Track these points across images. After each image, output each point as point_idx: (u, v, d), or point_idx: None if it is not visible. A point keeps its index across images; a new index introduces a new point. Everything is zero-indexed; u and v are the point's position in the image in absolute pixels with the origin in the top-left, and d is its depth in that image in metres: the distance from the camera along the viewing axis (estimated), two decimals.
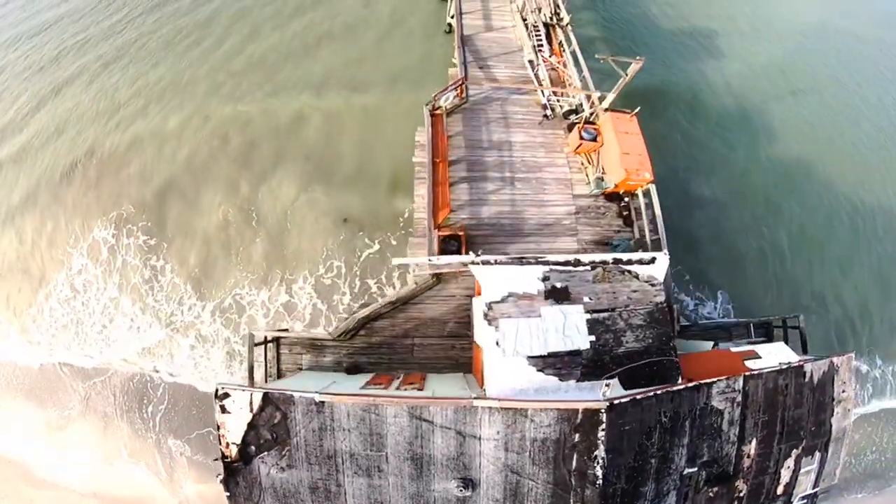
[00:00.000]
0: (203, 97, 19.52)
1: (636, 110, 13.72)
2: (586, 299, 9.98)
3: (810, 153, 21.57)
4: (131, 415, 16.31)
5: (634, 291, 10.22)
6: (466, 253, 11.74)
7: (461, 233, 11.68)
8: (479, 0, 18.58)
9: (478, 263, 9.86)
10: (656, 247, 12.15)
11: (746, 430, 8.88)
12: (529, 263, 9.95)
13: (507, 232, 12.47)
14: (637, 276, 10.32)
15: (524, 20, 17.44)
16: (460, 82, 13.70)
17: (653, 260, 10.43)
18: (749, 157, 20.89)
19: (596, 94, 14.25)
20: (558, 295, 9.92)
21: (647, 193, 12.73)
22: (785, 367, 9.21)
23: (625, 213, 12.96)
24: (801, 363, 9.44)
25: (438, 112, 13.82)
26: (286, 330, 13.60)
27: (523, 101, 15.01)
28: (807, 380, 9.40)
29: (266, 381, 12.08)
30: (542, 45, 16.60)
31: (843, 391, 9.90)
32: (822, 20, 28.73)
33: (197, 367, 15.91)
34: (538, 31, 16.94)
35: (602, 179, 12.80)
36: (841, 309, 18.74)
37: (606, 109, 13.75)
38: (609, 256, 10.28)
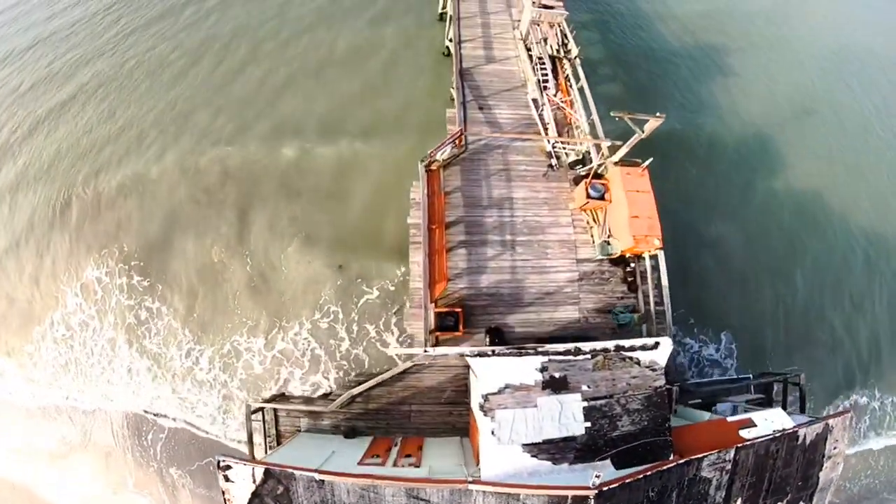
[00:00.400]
0: (198, 131, 18.79)
1: (647, 162, 12.82)
2: (584, 388, 9.73)
3: (826, 181, 20.80)
4: (132, 442, 16.54)
5: (634, 377, 9.93)
6: (464, 327, 11.50)
7: (458, 309, 11.29)
8: (479, 27, 17.45)
9: (475, 355, 9.55)
10: (660, 318, 11.76)
11: (733, 491, 8.93)
12: (528, 354, 9.64)
13: (506, 302, 11.99)
14: (638, 363, 10.00)
15: (528, 50, 16.40)
16: (458, 134, 12.94)
17: (656, 345, 10.07)
18: (764, 188, 20.10)
19: (605, 144, 13.36)
20: (556, 385, 9.66)
21: (654, 257, 12.20)
22: (779, 434, 9.14)
23: (630, 279, 12.45)
24: (796, 429, 9.34)
25: (435, 167, 13.11)
26: (283, 395, 13.46)
27: (526, 148, 14.19)
28: (799, 442, 9.38)
29: (265, 441, 12.14)
30: (547, 81, 15.59)
31: (836, 448, 9.82)
32: (841, 40, 27.40)
33: (193, 410, 15.91)
34: (543, 64, 15.88)
35: (608, 244, 12.21)
36: (850, 341, 18.41)
37: (616, 163, 12.94)
38: (611, 344, 9.92)
